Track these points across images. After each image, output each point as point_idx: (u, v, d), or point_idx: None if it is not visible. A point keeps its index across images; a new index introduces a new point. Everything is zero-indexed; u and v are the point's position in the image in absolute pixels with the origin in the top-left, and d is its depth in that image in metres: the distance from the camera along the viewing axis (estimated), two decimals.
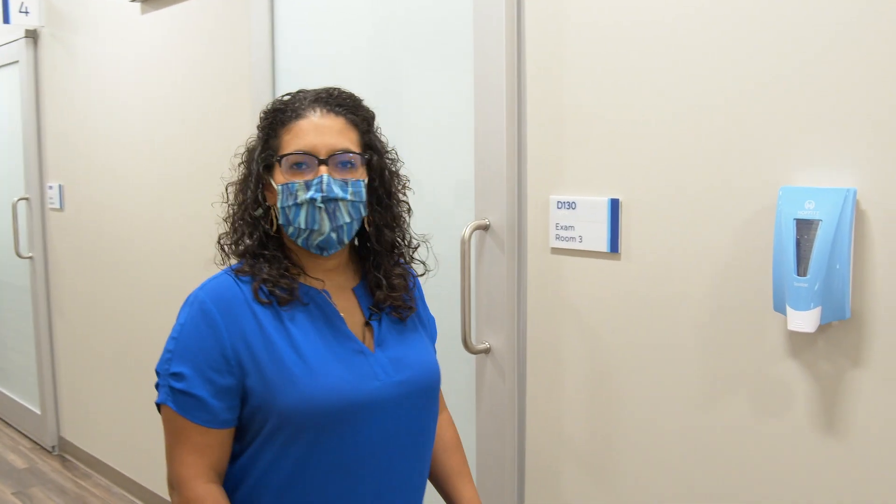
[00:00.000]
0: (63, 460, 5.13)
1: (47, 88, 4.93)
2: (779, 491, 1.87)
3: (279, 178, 1.52)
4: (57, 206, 4.92)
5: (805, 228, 1.69)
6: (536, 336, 2.33)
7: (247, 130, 3.31)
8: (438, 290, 2.60)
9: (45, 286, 5.16)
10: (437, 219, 2.68)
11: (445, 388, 2.24)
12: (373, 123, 1.65)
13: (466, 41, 2.43)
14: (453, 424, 1.88)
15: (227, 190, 1.66)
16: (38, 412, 5.36)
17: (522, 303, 2.36)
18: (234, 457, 1.54)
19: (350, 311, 1.59)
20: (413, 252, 1.72)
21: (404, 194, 1.69)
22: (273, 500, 1.51)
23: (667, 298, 2.03)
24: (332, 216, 1.49)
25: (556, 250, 2.25)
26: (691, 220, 1.96)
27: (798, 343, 1.80)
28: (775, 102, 1.79)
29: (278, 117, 1.56)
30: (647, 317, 2.07)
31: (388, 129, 2.77)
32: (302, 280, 1.56)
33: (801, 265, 1.69)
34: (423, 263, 1.75)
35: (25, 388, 5.59)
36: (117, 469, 4.66)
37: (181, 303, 1.59)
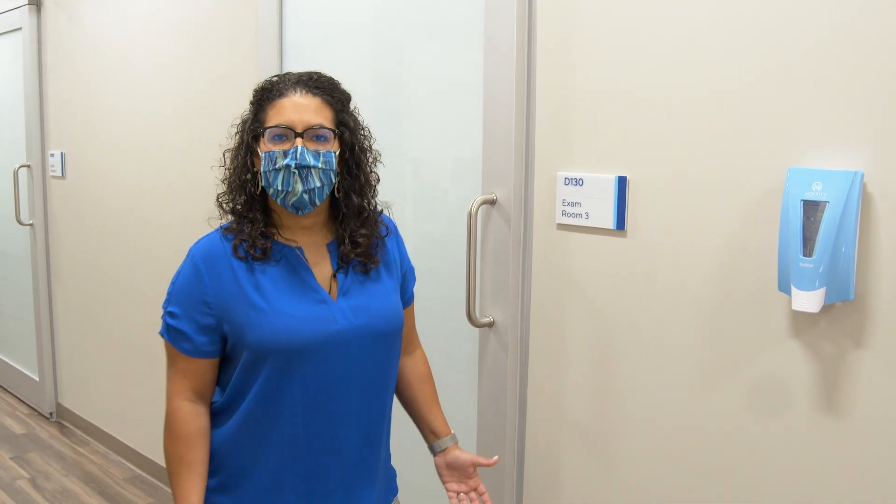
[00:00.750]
0: (61, 427, 5.15)
1: (50, 56, 4.91)
2: (779, 471, 1.89)
3: (263, 147, 1.78)
4: (58, 173, 4.92)
5: (812, 210, 1.71)
6: (540, 311, 2.35)
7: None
8: (442, 264, 2.62)
9: (45, 253, 5.17)
10: (441, 193, 2.69)
11: (447, 360, 2.27)
12: (348, 104, 1.88)
13: (474, 16, 2.43)
14: (426, 361, 2.13)
15: (224, 155, 1.90)
16: (37, 379, 5.38)
17: (527, 278, 2.37)
18: (226, 384, 1.84)
19: (321, 264, 1.85)
20: (378, 216, 1.94)
21: (374, 167, 1.93)
22: (253, 419, 1.80)
23: (672, 276, 2.04)
24: (305, 180, 1.74)
25: (562, 226, 2.26)
26: (698, 199, 1.97)
27: (801, 323, 1.82)
28: (785, 84, 1.80)
29: (266, 95, 1.83)
30: (651, 294, 2.09)
31: (390, 104, 2.79)
32: (278, 238, 1.82)
33: (807, 246, 1.71)
34: (386, 227, 1.96)
35: (24, 354, 5.61)
36: (115, 436, 4.69)
37: None
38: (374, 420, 1.90)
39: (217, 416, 1.86)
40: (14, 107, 5.32)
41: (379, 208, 1.96)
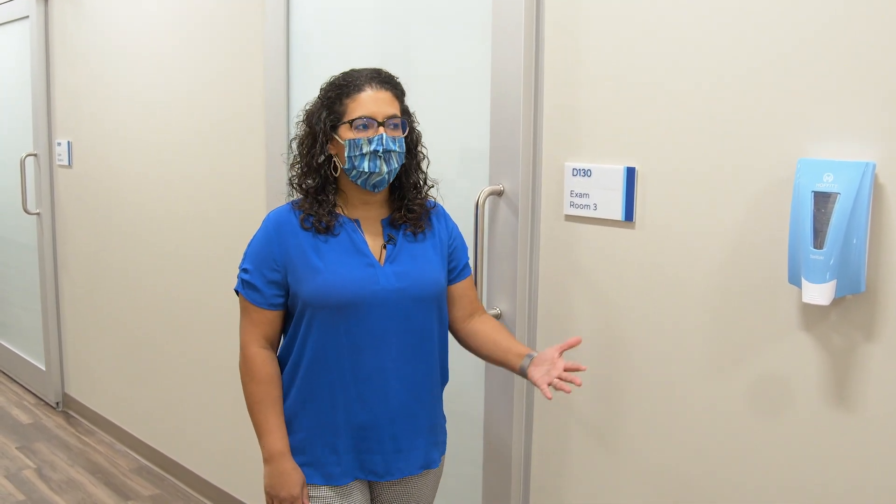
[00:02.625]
0: (67, 416, 5.16)
1: (57, 44, 4.91)
2: (788, 464, 1.88)
3: (346, 135, 2.02)
4: (65, 162, 4.92)
5: (822, 201, 1.69)
6: (547, 303, 2.34)
7: (258, 91, 3.30)
8: None
9: (51, 243, 5.17)
10: (446, 184, 2.68)
11: (453, 352, 2.25)
12: (405, 96, 2.14)
13: (482, 5, 2.42)
14: (493, 318, 2.27)
15: (291, 144, 2.17)
16: (43, 368, 5.39)
17: (534, 269, 2.36)
18: (290, 334, 2.11)
19: (374, 236, 2.11)
20: (428, 189, 2.20)
21: (424, 148, 2.19)
22: (309, 365, 2.07)
23: (680, 268, 2.03)
24: (388, 162, 2.02)
25: (570, 217, 2.25)
26: (708, 191, 1.96)
27: (811, 316, 1.81)
28: (795, 74, 1.79)
29: (343, 90, 2.05)
30: (659, 286, 2.08)
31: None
32: (340, 212, 2.09)
33: (818, 238, 1.69)
34: (434, 198, 2.22)
35: (30, 344, 5.61)
36: (121, 426, 4.69)
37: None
38: (419, 379, 2.12)
39: (283, 363, 2.13)
40: (21, 95, 5.31)
41: (430, 183, 2.20)
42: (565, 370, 1.93)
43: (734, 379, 1.95)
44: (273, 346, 2.13)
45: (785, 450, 1.88)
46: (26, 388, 5.65)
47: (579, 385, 1.92)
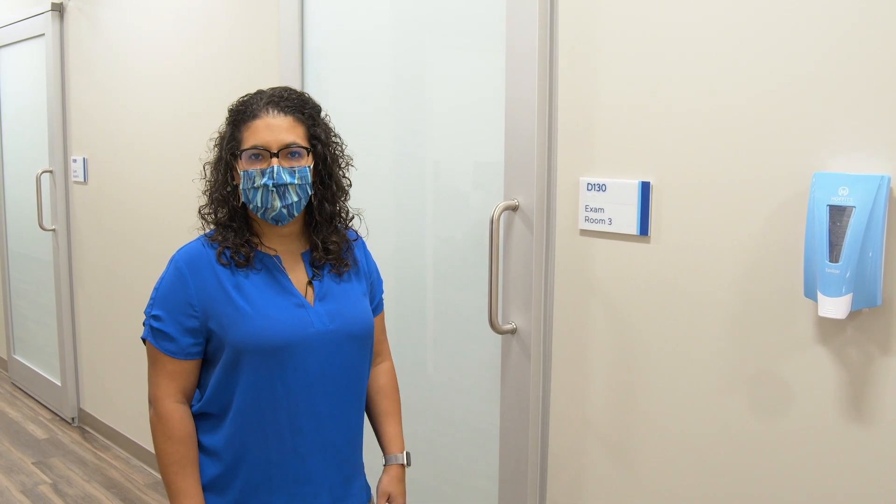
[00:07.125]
0: (83, 432, 5.17)
1: (73, 61, 4.94)
2: (805, 478, 1.87)
3: (242, 166, 1.89)
4: (81, 179, 4.95)
5: (838, 215, 1.69)
6: (563, 318, 2.34)
7: None
8: (463, 269, 2.61)
9: (67, 259, 5.19)
10: (462, 197, 2.68)
11: (469, 366, 2.26)
12: (318, 116, 1.98)
13: (496, 21, 2.43)
14: (392, 373, 2.22)
15: (204, 168, 2.01)
16: (59, 384, 5.41)
17: (549, 284, 2.36)
18: (206, 388, 1.93)
19: (296, 271, 1.97)
20: (349, 222, 2.08)
21: (346, 173, 2.04)
22: (239, 418, 1.89)
23: (696, 282, 2.03)
24: (282, 196, 1.86)
25: (584, 232, 2.25)
26: (723, 205, 1.96)
27: (827, 330, 1.81)
28: (810, 88, 1.79)
29: (240, 116, 1.92)
30: (675, 300, 2.08)
31: (411, 108, 2.79)
32: (259, 248, 1.94)
33: (834, 251, 1.69)
34: (356, 231, 2.11)
35: (46, 359, 5.64)
36: (136, 441, 4.70)
37: None
38: (353, 422, 2.02)
39: (202, 418, 1.95)
40: (37, 112, 5.35)
41: (351, 214, 2.08)
42: None
43: (750, 393, 1.95)
44: (189, 399, 1.94)
45: (803, 464, 1.88)
46: (42, 404, 5.67)
47: None
